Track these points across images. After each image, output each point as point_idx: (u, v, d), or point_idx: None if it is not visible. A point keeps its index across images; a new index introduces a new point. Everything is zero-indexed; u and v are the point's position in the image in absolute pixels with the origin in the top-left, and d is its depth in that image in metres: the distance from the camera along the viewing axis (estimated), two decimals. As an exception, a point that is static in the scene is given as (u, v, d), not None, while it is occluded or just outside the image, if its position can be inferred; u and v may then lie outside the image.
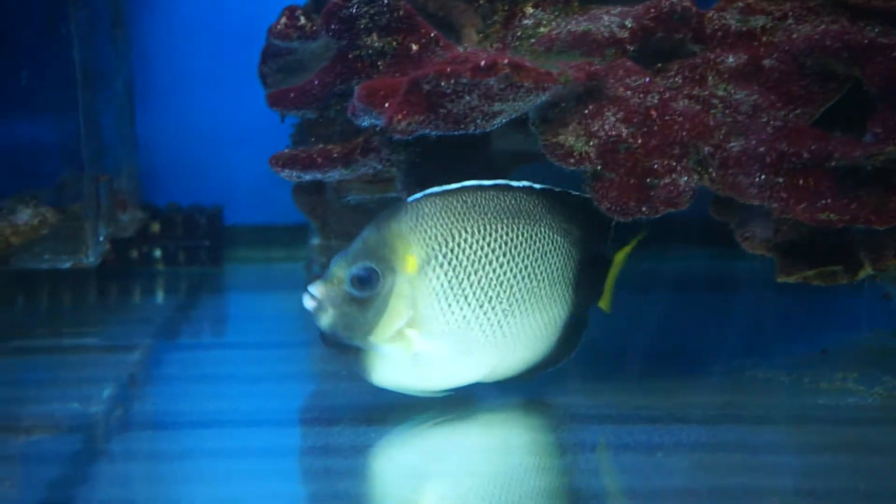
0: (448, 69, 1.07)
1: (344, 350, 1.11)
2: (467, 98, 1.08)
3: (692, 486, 1.02)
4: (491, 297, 1.12)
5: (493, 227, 1.13)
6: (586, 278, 1.20)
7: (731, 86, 1.21)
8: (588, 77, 1.14)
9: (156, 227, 1.80)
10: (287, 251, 1.82)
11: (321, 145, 1.26)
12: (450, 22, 1.33)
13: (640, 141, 1.15)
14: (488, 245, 1.12)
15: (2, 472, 1.07)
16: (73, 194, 1.57)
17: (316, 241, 1.58)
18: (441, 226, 1.11)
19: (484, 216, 1.12)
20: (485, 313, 1.12)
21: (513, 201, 1.14)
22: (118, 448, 1.15)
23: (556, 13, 1.25)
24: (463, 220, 1.12)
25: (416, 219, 1.10)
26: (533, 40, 1.22)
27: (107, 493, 1.03)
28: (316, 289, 1.09)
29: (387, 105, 1.09)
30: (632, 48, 1.22)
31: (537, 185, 1.16)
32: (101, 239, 1.55)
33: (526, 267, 1.14)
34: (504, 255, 1.13)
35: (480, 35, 1.28)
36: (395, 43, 1.19)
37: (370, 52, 1.19)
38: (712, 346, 1.42)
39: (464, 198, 1.12)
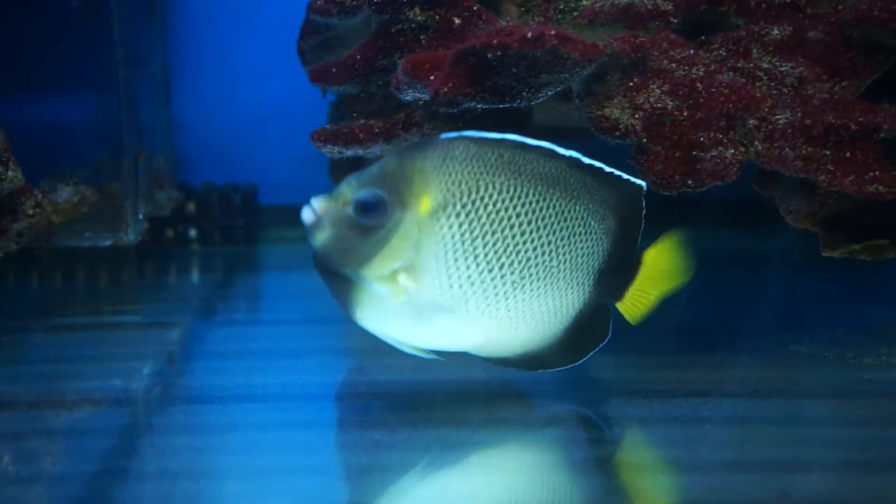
0: (495, 41, 1.06)
1: (332, 277, 1.03)
2: (514, 70, 1.08)
3: (742, 459, 1.01)
4: (503, 264, 1.03)
5: (524, 190, 1.03)
6: (611, 274, 1.10)
7: (776, 58, 1.20)
8: (633, 49, 1.13)
9: (191, 206, 1.81)
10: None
11: (362, 121, 1.26)
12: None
13: (685, 113, 1.15)
14: (514, 208, 1.03)
15: (51, 446, 1.08)
16: (111, 173, 1.57)
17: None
18: (468, 173, 1.01)
19: (517, 176, 1.03)
20: (492, 279, 1.03)
21: (553, 169, 1.04)
22: (163, 422, 1.16)
23: (598, -14, 1.25)
24: (493, 174, 1.02)
25: (443, 159, 1.01)
26: (576, 13, 1.21)
27: (155, 464, 1.03)
28: (318, 203, 1.00)
29: (432, 77, 1.09)
30: (675, 21, 1.21)
31: (585, 159, 1.06)
32: (140, 217, 1.56)
33: (549, 243, 1.05)
34: (529, 223, 1.04)
35: (522, 9, 1.27)
36: (437, 17, 1.18)
37: (413, 26, 1.19)
38: (753, 321, 1.41)
39: (501, 151, 1.02)
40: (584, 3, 1.22)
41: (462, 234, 1.01)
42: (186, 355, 1.37)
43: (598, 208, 1.08)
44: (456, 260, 1.02)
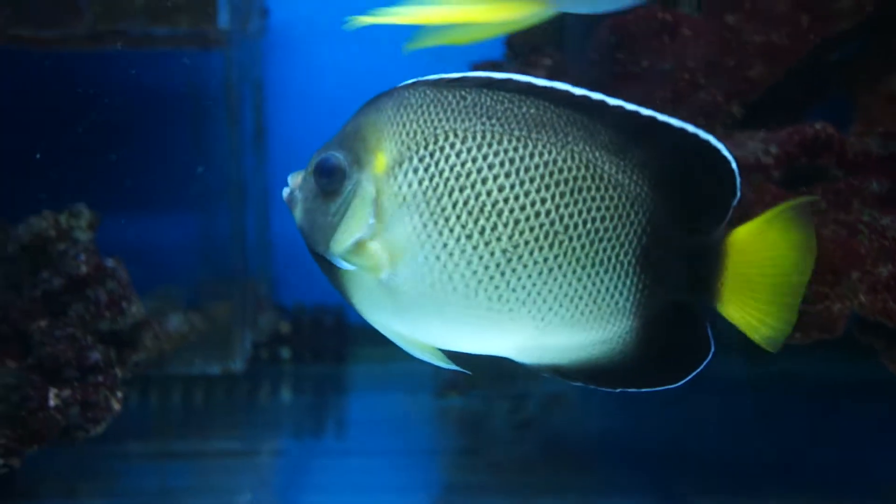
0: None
1: (321, 262, 0.89)
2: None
3: None
4: (484, 229, 0.83)
5: (496, 136, 0.84)
6: (673, 257, 0.85)
7: (876, 211, 1.24)
8: (737, 205, 1.17)
9: (285, 327, 1.86)
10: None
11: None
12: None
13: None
14: (484, 159, 0.84)
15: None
16: (212, 294, 1.63)
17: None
18: (424, 121, 0.85)
19: (486, 120, 0.84)
20: (475, 248, 0.84)
21: (534, 109, 0.84)
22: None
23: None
24: (454, 120, 0.85)
25: (397, 108, 0.86)
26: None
27: None
28: (292, 177, 0.89)
29: None
30: (776, 173, 1.25)
31: (595, 95, 0.84)
32: (247, 345, 1.61)
33: (542, 202, 0.84)
34: (508, 176, 0.84)
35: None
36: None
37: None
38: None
39: (463, 93, 0.85)
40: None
41: (425, 193, 0.84)
42: (286, 488, 1.40)
43: (615, 159, 0.85)
44: (425, 225, 0.84)
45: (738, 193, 0.83)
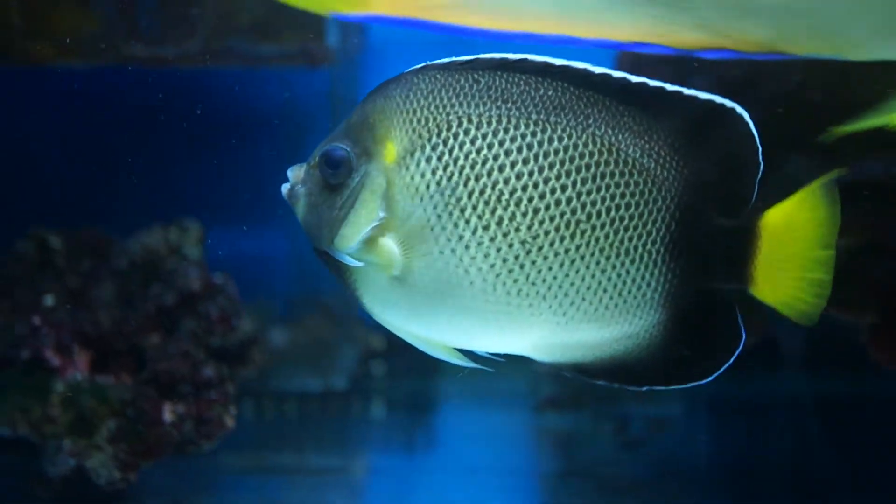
0: None
1: (327, 260, 0.83)
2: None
3: None
4: (502, 220, 0.78)
5: (514, 121, 0.79)
6: (706, 242, 0.79)
7: None
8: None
9: (378, 342, 1.86)
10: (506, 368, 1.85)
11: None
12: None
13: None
14: (501, 145, 0.79)
15: None
16: (304, 308, 1.64)
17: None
18: (436, 107, 0.80)
19: (501, 104, 0.79)
20: (492, 240, 0.79)
21: (552, 91, 0.79)
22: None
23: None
24: (467, 105, 0.80)
25: (407, 94, 0.80)
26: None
27: None
28: (293, 171, 0.83)
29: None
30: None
31: (616, 74, 0.79)
32: (348, 361, 1.62)
33: (564, 189, 0.79)
34: (526, 163, 0.79)
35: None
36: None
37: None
38: None
39: (476, 76, 0.80)
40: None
41: (439, 183, 0.79)
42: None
43: (640, 141, 0.79)
44: (439, 216, 0.79)
45: (762, 166, 0.78)
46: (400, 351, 1.87)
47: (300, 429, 1.66)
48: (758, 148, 0.78)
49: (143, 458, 1.25)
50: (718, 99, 0.77)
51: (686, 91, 0.77)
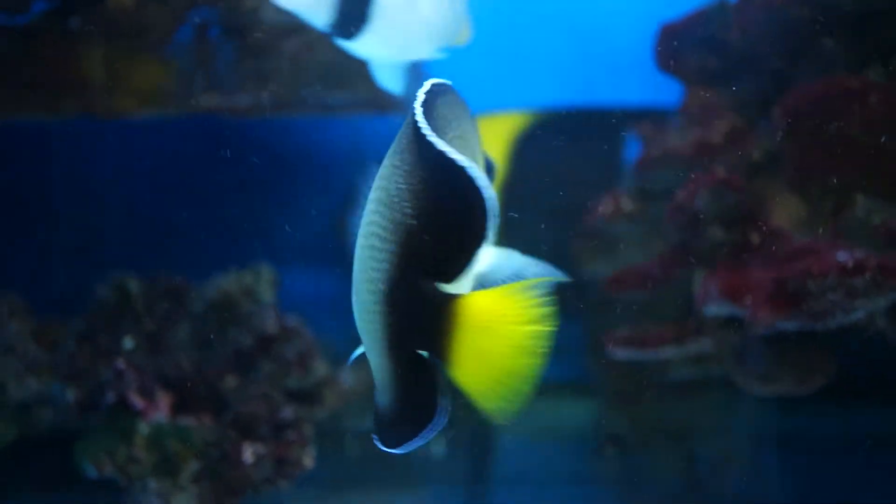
0: (814, 269, 1.12)
1: None
2: (831, 297, 1.13)
3: None
4: None
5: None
6: (407, 308, 0.72)
7: None
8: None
9: (437, 380, 1.89)
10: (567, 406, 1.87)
11: (653, 326, 1.33)
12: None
13: None
14: None
15: None
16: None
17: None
18: None
19: None
20: None
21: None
22: None
23: (887, 203, 1.29)
24: None
25: None
26: (867, 229, 1.26)
27: None
28: None
29: (750, 301, 1.15)
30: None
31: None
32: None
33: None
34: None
35: (804, 207, 1.32)
36: (736, 235, 1.25)
37: (711, 243, 1.26)
38: None
39: None
40: (875, 219, 1.27)
41: None
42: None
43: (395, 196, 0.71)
44: None
45: (488, 237, 0.70)
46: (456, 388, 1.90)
47: (366, 468, 1.68)
48: (485, 216, 0.69)
49: (224, 497, 1.28)
50: (454, 155, 0.69)
51: (427, 134, 0.69)
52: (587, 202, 1.44)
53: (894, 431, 1.43)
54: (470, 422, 1.88)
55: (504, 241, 0.77)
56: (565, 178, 1.51)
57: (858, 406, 1.45)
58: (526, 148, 1.63)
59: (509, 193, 1.54)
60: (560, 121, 1.62)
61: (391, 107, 1.48)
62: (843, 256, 1.12)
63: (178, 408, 1.33)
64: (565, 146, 1.56)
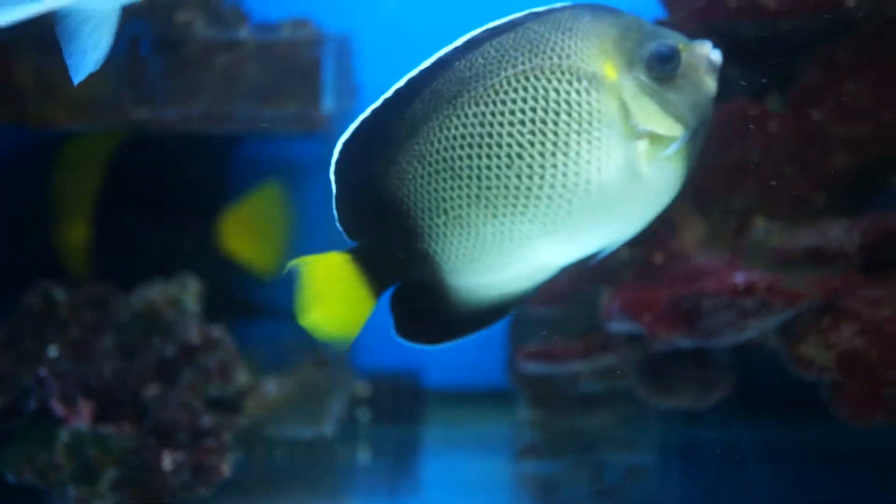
0: (707, 289, 1.18)
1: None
2: (723, 316, 1.19)
3: None
4: None
5: None
6: None
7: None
8: (828, 294, 1.24)
9: (364, 389, 1.92)
10: (488, 415, 1.91)
11: (562, 341, 1.38)
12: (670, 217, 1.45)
13: (875, 353, 1.24)
14: None
15: None
16: (295, 355, 1.70)
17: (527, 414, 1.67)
18: None
19: None
20: None
21: None
22: None
23: (785, 226, 1.36)
24: None
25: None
26: (764, 251, 1.33)
27: None
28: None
29: (647, 318, 1.21)
30: (859, 261, 1.31)
31: None
32: (338, 410, 1.68)
33: None
34: None
35: (707, 232, 1.39)
36: (641, 254, 1.31)
37: (617, 262, 1.32)
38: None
39: None
40: (774, 242, 1.33)
41: None
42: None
43: None
44: None
45: None
46: (385, 397, 1.94)
47: (290, 475, 1.71)
48: None
49: (144, 504, 1.31)
50: None
51: None
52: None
53: (792, 442, 1.50)
54: (394, 431, 1.93)
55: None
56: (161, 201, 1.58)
57: (759, 417, 1.51)
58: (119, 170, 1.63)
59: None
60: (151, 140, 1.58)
61: (317, 125, 1.52)
62: (738, 277, 1.18)
63: (100, 416, 1.36)
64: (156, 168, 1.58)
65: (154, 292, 1.47)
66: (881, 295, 1.27)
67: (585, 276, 1.33)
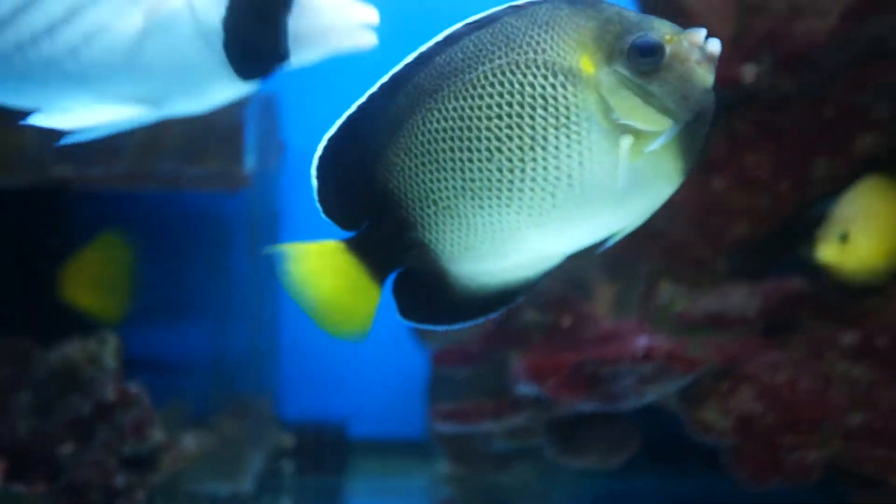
0: (608, 355, 1.22)
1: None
2: (624, 381, 1.23)
3: None
4: None
5: None
6: None
7: (848, 363, 1.35)
8: (726, 360, 1.29)
9: (288, 441, 1.93)
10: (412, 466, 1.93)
11: (474, 401, 1.41)
12: (581, 279, 1.49)
13: (772, 417, 1.29)
14: None
15: None
16: (216, 407, 1.71)
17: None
18: None
19: None
20: None
21: None
22: None
23: (688, 290, 1.41)
24: None
25: None
26: (669, 315, 1.37)
27: None
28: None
29: (551, 383, 1.24)
30: (760, 325, 1.36)
31: None
32: (257, 465, 1.69)
33: None
34: None
35: (616, 300, 1.43)
36: (549, 318, 1.35)
37: (526, 325, 1.35)
38: None
39: None
40: (678, 307, 1.38)
41: None
42: None
43: None
44: None
45: None
46: (308, 449, 1.95)
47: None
48: None
49: (54, 565, 1.31)
50: None
51: None
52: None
53: (698, 495, 1.55)
54: (318, 482, 1.95)
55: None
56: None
57: (668, 471, 1.56)
58: None
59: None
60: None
61: (239, 183, 1.54)
62: (642, 342, 1.23)
63: (12, 474, 1.36)
64: None
65: (73, 349, 1.48)
66: (780, 359, 1.32)
67: (496, 336, 1.37)
